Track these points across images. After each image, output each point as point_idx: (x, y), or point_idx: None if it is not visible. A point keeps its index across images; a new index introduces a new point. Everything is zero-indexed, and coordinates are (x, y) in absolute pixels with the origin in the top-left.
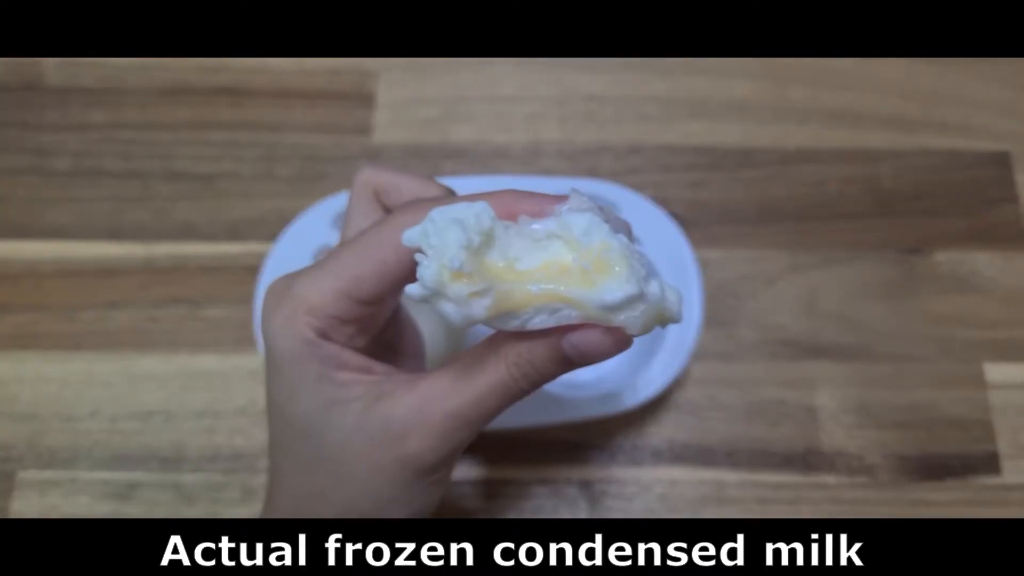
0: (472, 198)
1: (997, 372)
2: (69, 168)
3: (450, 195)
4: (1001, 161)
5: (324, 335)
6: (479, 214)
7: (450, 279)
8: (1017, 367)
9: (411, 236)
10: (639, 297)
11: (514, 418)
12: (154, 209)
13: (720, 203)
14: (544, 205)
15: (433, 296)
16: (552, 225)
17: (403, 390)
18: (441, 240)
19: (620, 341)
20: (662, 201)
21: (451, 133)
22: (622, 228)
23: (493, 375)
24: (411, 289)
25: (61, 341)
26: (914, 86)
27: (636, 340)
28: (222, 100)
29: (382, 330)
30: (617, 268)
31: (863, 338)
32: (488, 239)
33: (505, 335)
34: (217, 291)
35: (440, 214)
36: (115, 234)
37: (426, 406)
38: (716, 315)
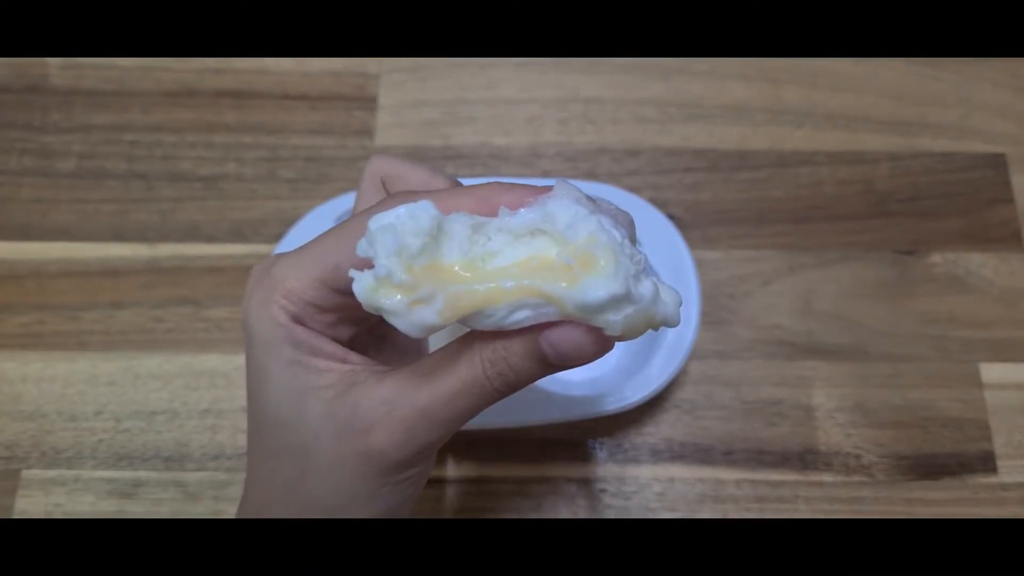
0: (455, 191)
1: (993, 372)
2: (73, 169)
3: (456, 187)
4: (997, 163)
5: (299, 320)
6: (415, 215)
7: (383, 290)
8: (1013, 367)
9: (362, 248)
10: (624, 298)
11: (512, 416)
12: (158, 210)
13: (717, 204)
14: (525, 197)
15: (377, 311)
16: (534, 216)
17: (374, 380)
18: (375, 250)
19: (601, 343)
20: (660, 203)
21: (452, 135)
22: (622, 221)
23: (467, 372)
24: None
25: (66, 341)
26: (910, 88)
27: (634, 340)
28: (225, 103)
29: (378, 323)
30: (603, 264)
31: (859, 338)
32: (434, 239)
33: (482, 332)
34: (221, 291)
35: (375, 222)
36: (119, 235)
37: (395, 399)
38: (713, 315)
